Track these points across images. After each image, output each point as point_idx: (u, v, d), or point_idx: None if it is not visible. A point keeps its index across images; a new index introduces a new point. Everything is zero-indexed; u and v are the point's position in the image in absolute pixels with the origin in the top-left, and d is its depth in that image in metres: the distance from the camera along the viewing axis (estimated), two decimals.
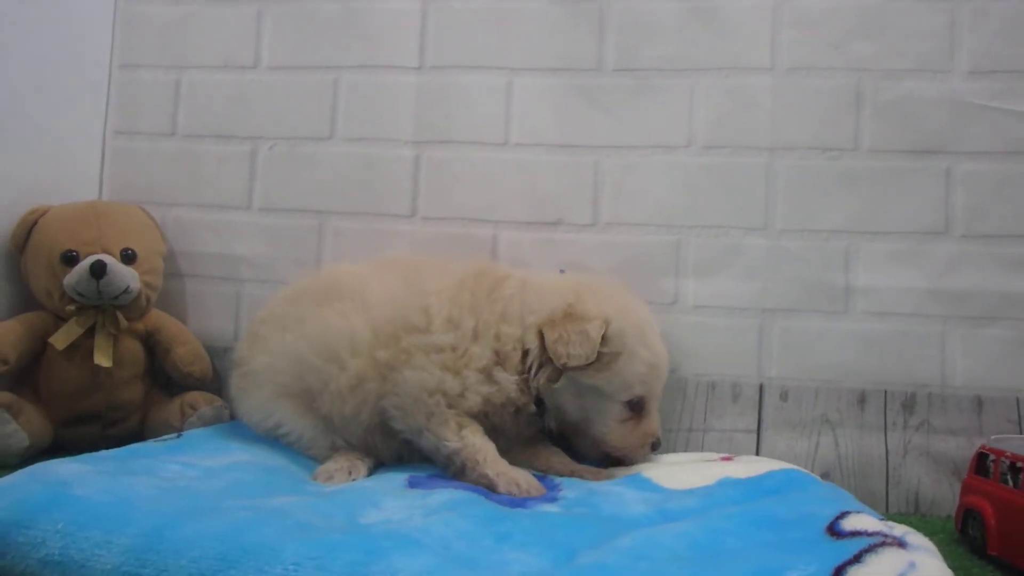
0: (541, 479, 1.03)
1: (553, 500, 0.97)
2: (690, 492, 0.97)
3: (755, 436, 1.28)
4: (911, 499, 1.23)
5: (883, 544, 0.72)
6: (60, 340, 1.27)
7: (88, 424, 1.30)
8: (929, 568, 0.69)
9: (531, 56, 1.38)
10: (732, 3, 1.33)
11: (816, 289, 1.28)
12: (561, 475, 1.08)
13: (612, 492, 0.98)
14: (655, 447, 1.12)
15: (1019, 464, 0.95)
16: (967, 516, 1.01)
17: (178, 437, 1.14)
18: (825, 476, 1.22)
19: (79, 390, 1.29)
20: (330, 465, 1.06)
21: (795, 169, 1.30)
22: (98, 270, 1.26)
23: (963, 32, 1.27)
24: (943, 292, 1.25)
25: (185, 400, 1.33)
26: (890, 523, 0.79)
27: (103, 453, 1.00)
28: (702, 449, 1.28)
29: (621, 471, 1.08)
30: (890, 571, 0.68)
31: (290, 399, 1.12)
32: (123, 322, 1.31)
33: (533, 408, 1.09)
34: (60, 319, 1.30)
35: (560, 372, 1.05)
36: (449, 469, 1.03)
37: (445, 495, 0.93)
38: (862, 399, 1.26)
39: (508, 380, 1.06)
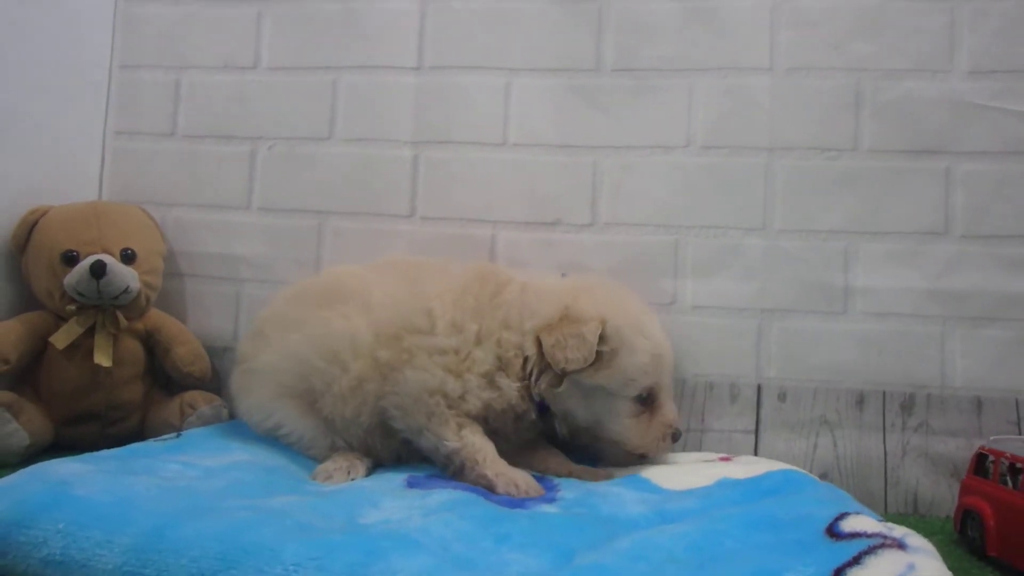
0: (539, 479, 1.03)
1: (552, 500, 0.97)
2: (689, 493, 0.97)
3: (753, 436, 1.28)
4: (910, 500, 1.23)
5: (882, 546, 0.72)
6: (60, 340, 1.27)
7: (88, 423, 1.31)
8: (929, 570, 0.69)
9: (530, 56, 1.38)
10: (731, 3, 1.33)
11: (815, 289, 1.29)
12: (559, 475, 1.08)
13: (610, 492, 0.98)
14: (676, 438, 1.11)
15: (1018, 465, 0.95)
16: (966, 517, 1.01)
17: (178, 436, 1.14)
18: (823, 477, 1.22)
19: (79, 389, 1.29)
20: (329, 465, 1.06)
21: (794, 169, 1.30)
22: (98, 270, 1.27)
23: (963, 32, 1.27)
24: (942, 292, 1.25)
25: (185, 399, 1.34)
26: (889, 524, 0.79)
27: (103, 453, 1.00)
28: (700, 449, 1.28)
29: (620, 471, 1.08)
30: (889, 573, 0.68)
31: (292, 399, 1.13)
32: (123, 322, 1.31)
33: (533, 415, 1.08)
34: (60, 319, 1.30)
35: (561, 377, 1.05)
36: (448, 469, 1.03)
37: (444, 495, 0.93)
38: (861, 400, 1.26)
39: (510, 387, 1.05)
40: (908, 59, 1.28)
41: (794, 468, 1.05)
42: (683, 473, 1.06)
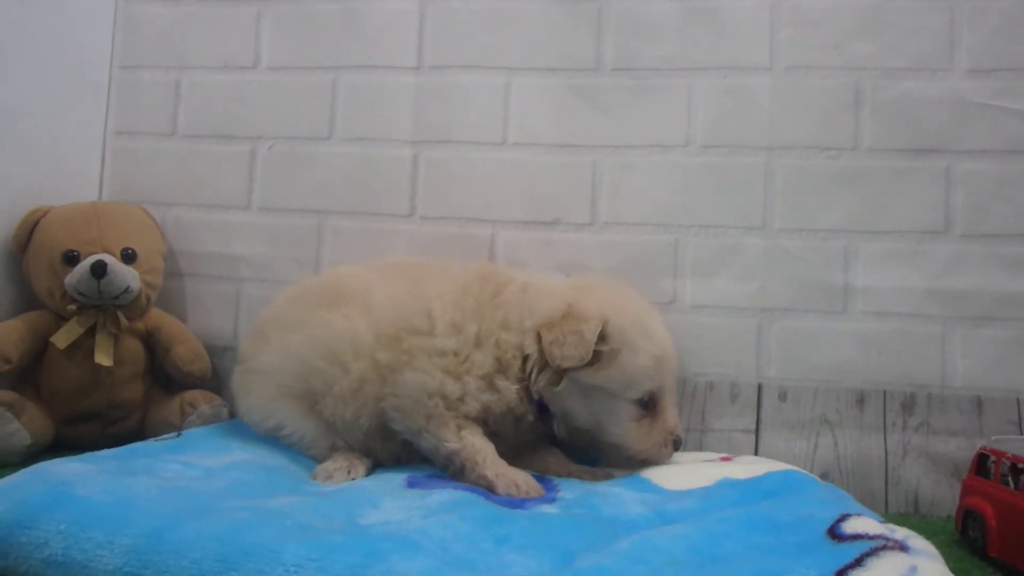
0: (539, 479, 1.03)
1: (552, 501, 0.97)
2: (689, 493, 0.97)
3: (754, 436, 1.28)
4: (910, 500, 1.23)
5: (884, 548, 0.71)
6: (61, 339, 1.27)
7: (89, 423, 1.31)
8: (931, 572, 0.69)
9: (529, 56, 1.38)
10: (731, 3, 1.33)
11: (815, 289, 1.28)
12: (559, 475, 1.08)
13: (610, 493, 0.98)
14: (677, 445, 1.09)
15: (1020, 465, 0.95)
16: (967, 517, 1.01)
17: (178, 436, 1.14)
18: (824, 476, 1.22)
19: (80, 389, 1.29)
20: (329, 464, 1.06)
21: (794, 169, 1.30)
22: (99, 270, 1.27)
23: (962, 31, 1.27)
24: (943, 292, 1.25)
25: (185, 399, 1.34)
26: (891, 526, 0.79)
27: (104, 452, 1.00)
28: (700, 449, 1.28)
29: (620, 471, 1.08)
30: (891, 575, 0.68)
31: (293, 400, 1.13)
32: (123, 321, 1.31)
33: (532, 417, 1.08)
34: (61, 318, 1.30)
35: (560, 374, 1.04)
36: (448, 470, 1.03)
37: (444, 495, 0.93)
38: (861, 399, 1.26)
39: (509, 389, 1.05)
40: (908, 58, 1.28)
41: (795, 468, 1.05)
42: (683, 473, 1.05)
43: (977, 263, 1.25)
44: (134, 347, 1.34)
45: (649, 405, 1.07)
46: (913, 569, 0.68)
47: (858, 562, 0.70)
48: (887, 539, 0.74)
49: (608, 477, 1.06)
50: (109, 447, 1.03)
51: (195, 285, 1.48)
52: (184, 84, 1.51)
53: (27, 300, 1.35)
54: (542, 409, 1.08)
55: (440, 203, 1.41)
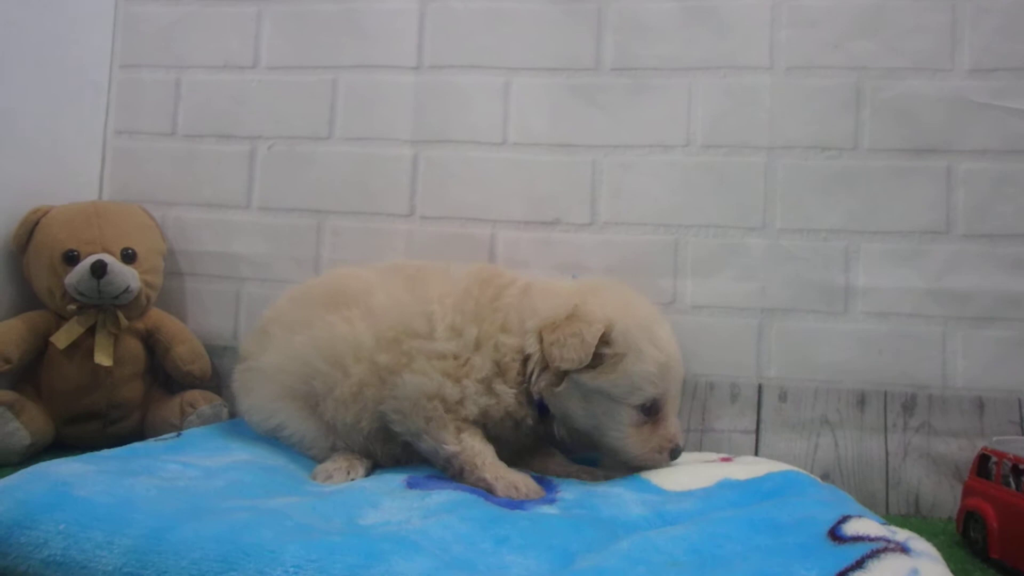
0: (539, 480, 1.03)
1: (552, 502, 0.96)
2: (689, 494, 0.97)
3: (754, 437, 1.28)
4: (911, 501, 1.23)
5: (886, 550, 0.71)
6: (61, 339, 1.27)
7: (89, 422, 1.31)
8: (932, 574, 0.69)
9: (529, 56, 1.38)
10: (730, 2, 1.33)
11: (815, 289, 1.28)
12: (559, 476, 1.08)
13: (610, 494, 0.98)
14: (675, 455, 1.07)
15: (1021, 466, 0.95)
16: (968, 518, 1.01)
17: (178, 436, 1.14)
18: (824, 477, 1.22)
19: (80, 388, 1.29)
20: (329, 465, 1.06)
21: (794, 168, 1.30)
22: (99, 270, 1.27)
23: (963, 30, 1.26)
24: (943, 292, 1.25)
25: (185, 399, 1.34)
26: (893, 528, 0.79)
27: (104, 452, 1.00)
28: (701, 450, 1.28)
29: (619, 472, 1.07)
30: None
31: (294, 400, 1.13)
32: (123, 321, 1.31)
33: (531, 421, 1.07)
34: (61, 318, 1.30)
35: (561, 376, 1.04)
36: (448, 472, 1.03)
37: (444, 496, 0.92)
38: (862, 400, 1.26)
39: (507, 392, 1.04)
40: (908, 57, 1.28)
41: (795, 469, 1.04)
42: (684, 474, 1.05)
43: (978, 263, 1.24)
44: (134, 347, 1.34)
45: (651, 411, 1.05)
46: (914, 571, 0.68)
47: (859, 564, 0.69)
48: (888, 541, 0.73)
49: (608, 478, 1.06)
50: (109, 447, 1.03)
51: (195, 285, 1.48)
52: (184, 84, 1.51)
53: (27, 300, 1.35)
54: (543, 411, 1.08)
55: (440, 203, 1.41)
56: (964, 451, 1.20)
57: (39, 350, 1.30)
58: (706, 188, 1.32)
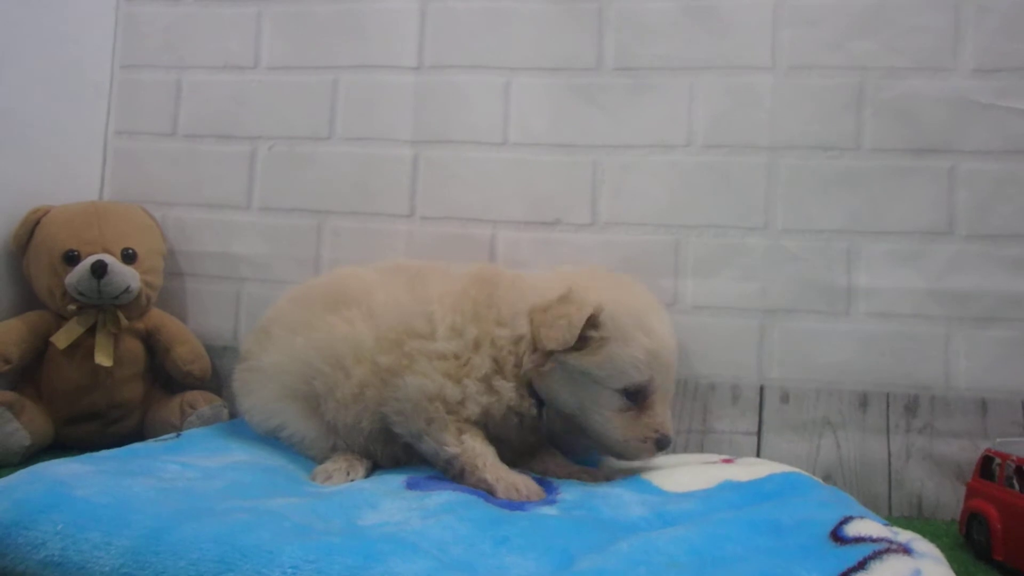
0: (540, 482, 1.02)
1: (552, 503, 0.96)
2: (690, 495, 0.96)
3: (756, 438, 1.27)
4: (914, 503, 1.22)
5: (888, 551, 0.71)
6: (61, 339, 1.27)
7: (89, 423, 1.31)
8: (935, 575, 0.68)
9: (529, 56, 1.38)
10: (731, 2, 1.32)
11: (817, 290, 1.28)
12: (559, 477, 1.07)
13: (611, 494, 0.97)
14: (662, 445, 1.04)
15: None
16: (971, 520, 1.01)
17: (177, 437, 1.14)
18: (826, 479, 1.21)
19: (80, 389, 1.29)
20: (328, 465, 1.06)
21: (795, 168, 1.29)
22: (99, 270, 1.27)
23: (966, 29, 1.26)
24: (946, 293, 1.25)
25: (185, 399, 1.34)
26: (895, 529, 0.78)
27: (103, 453, 1.00)
28: (702, 451, 1.27)
29: (620, 473, 1.07)
30: None
31: (295, 401, 1.12)
32: (124, 321, 1.31)
33: (535, 411, 1.07)
34: (62, 318, 1.30)
35: (548, 356, 1.03)
36: (448, 473, 1.03)
37: (443, 497, 0.92)
38: (864, 401, 1.25)
39: (506, 387, 1.04)
40: (910, 57, 1.27)
41: (797, 470, 1.04)
42: (684, 475, 1.04)
43: (980, 263, 1.24)
44: (134, 347, 1.34)
45: (636, 398, 1.03)
46: (917, 572, 0.68)
47: (861, 565, 0.69)
48: (891, 542, 0.73)
49: (609, 479, 1.06)
50: (109, 447, 1.03)
51: (195, 285, 1.48)
52: (184, 84, 1.51)
53: (27, 300, 1.35)
54: (539, 403, 1.07)
55: (440, 203, 1.40)
56: (967, 452, 1.20)
57: (39, 350, 1.30)
58: (707, 188, 1.32)
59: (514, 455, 1.07)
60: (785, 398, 1.28)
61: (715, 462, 1.12)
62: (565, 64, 1.37)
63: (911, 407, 1.24)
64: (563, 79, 1.37)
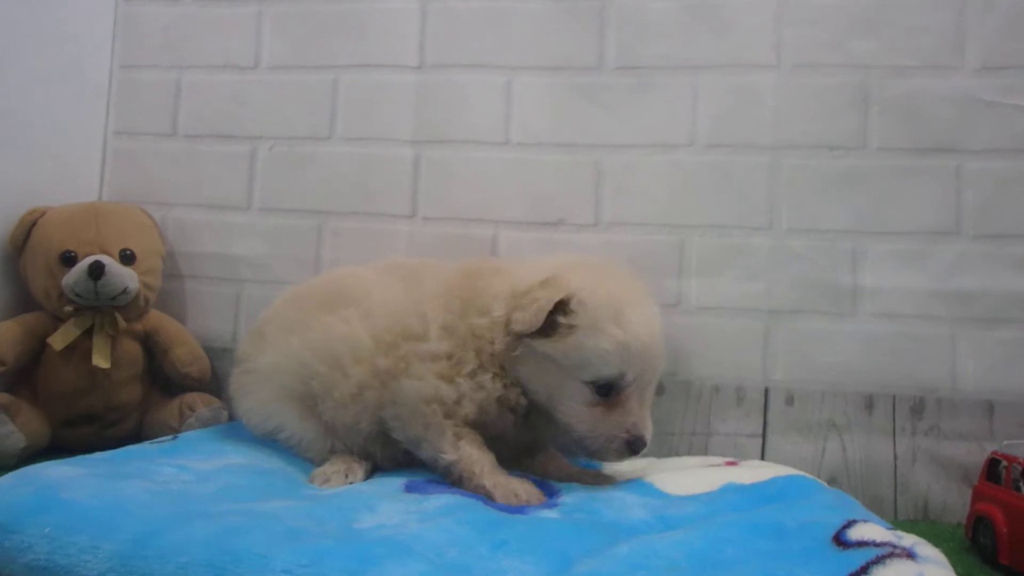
0: (540, 484, 1.01)
1: (552, 506, 0.94)
2: (692, 498, 0.95)
3: (760, 440, 1.26)
4: (920, 505, 1.20)
5: (891, 555, 0.69)
6: (58, 341, 1.26)
7: (86, 425, 1.30)
8: None
9: (531, 55, 1.37)
10: (733, 0, 1.31)
11: (822, 290, 1.26)
12: (560, 480, 1.06)
13: (613, 497, 0.96)
14: (633, 447, 0.98)
15: None
16: (978, 523, 0.99)
17: (174, 439, 1.13)
18: (832, 482, 1.20)
19: (77, 391, 1.28)
20: (327, 468, 1.04)
21: (799, 168, 1.28)
22: (96, 271, 1.26)
23: (970, 27, 1.24)
24: (952, 293, 1.23)
25: (184, 401, 1.33)
26: (899, 533, 0.77)
27: (96, 455, 0.99)
28: (706, 453, 1.26)
29: (621, 475, 1.06)
30: None
31: (293, 401, 1.11)
32: (121, 323, 1.30)
33: (524, 400, 1.03)
34: (59, 320, 1.29)
35: (517, 339, 0.99)
36: (448, 479, 1.01)
37: (442, 500, 0.91)
38: (870, 403, 1.24)
39: (486, 378, 1.01)
40: (916, 55, 1.26)
41: (801, 473, 1.02)
42: (687, 477, 1.03)
43: (987, 264, 1.22)
44: (132, 349, 1.33)
45: (606, 393, 0.99)
46: None
47: (863, 570, 0.68)
48: (894, 546, 0.71)
49: (610, 481, 1.04)
50: (107, 450, 1.02)
51: (195, 286, 1.47)
52: (184, 84, 1.50)
53: (24, 301, 1.35)
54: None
55: (441, 203, 1.39)
56: (973, 455, 1.18)
57: (36, 352, 1.29)
58: (710, 188, 1.30)
59: (514, 456, 1.06)
60: (790, 400, 1.26)
61: (718, 465, 1.10)
62: (566, 63, 1.36)
63: (917, 409, 1.22)
64: (564, 78, 1.36)
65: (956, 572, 0.72)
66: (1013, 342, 1.21)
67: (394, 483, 0.99)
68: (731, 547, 0.76)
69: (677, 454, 1.25)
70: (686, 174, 1.31)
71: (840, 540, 0.75)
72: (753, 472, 1.02)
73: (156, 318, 1.38)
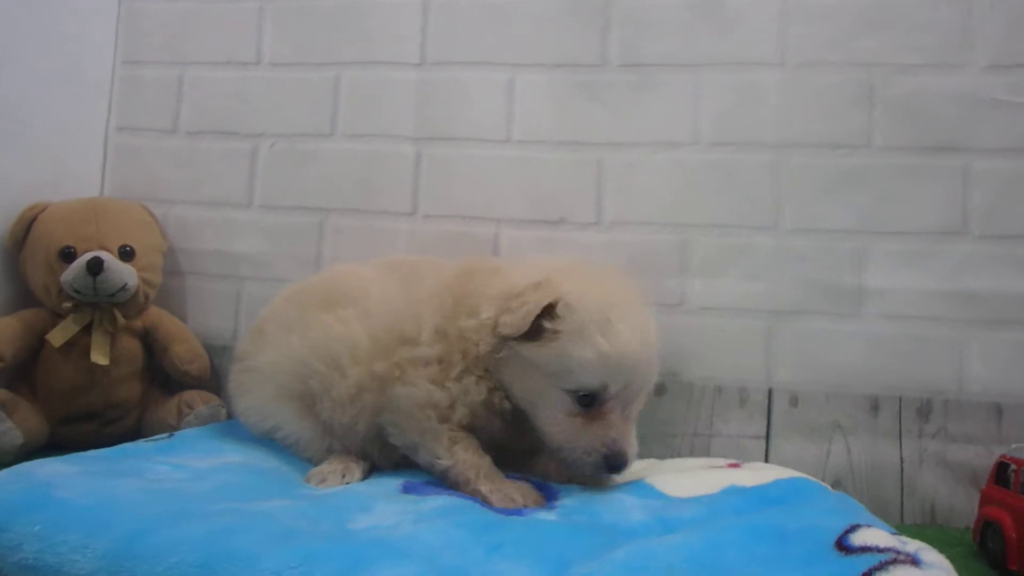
0: (540, 486, 0.99)
1: (551, 508, 0.93)
2: (693, 500, 0.93)
3: (764, 442, 1.24)
4: (927, 509, 1.19)
5: (895, 561, 0.68)
6: (57, 337, 1.26)
7: (85, 422, 1.29)
8: None
9: (533, 52, 1.36)
10: None
11: (826, 290, 1.25)
12: (560, 482, 1.04)
13: (612, 499, 0.94)
14: (612, 464, 0.95)
15: None
16: (986, 528, 0.98)
17: (170, 437, 1.12)
18: (836, 485, 1.18)
19: (76, 388, 1.28)
20: (324, 467, 1.04)
21: (803, 167, 1.27)
22: (95, 267, 1.25)
23: (976, 25, 1.23)
24: (959, 294, 1.21)
25: (183, 399, 1.32)
26: (903, 538, 0.75)
27: (91, 453, 0.98)
28: (709, 455, 1.24)
29: (621, 476, 1.04)
30: None
31: (291, 400, 1.10)
32: (120, 320, 1.30)
33: (507, 404, 1.01)
34: (58, 316, 1.29)
35: (502, 342, 0.97)
36: (445, 483, 1.00)
37: (439, 501, 0.90)
38: (875, 405, 1.22)
39: (471, 380, 1.00)
40: (920, 53, 1.24)
41: (804, 476, 1.01)
42: (689, 479, 1.01)
43: (994, 264, 1.21)
44: (131, 346, 1.33)
45: (588, 404, 0.95)
46: None
47: None
48: (898, 552, 0.70)
49: (610, 482, 1.03)
50: (105, 447, 1.01)
51: (195, 283, 1.47)
52: (186, 81, 1.50)
53: (23, 297, 1.34)
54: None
55: (443, 201, 1.38)
56: (981, 458, 1.16)
57: (34, 348, 1.28)
58: (713, 186, 1.29)
59: (515, 457, 1.04)
60: (794, 401, 1.25)
61: (721, 466, 1.08)
62: (569, 61, 1.35)
63: (924, 411, 1.21)
64: (567, 76, 1.35)
65: None
66: (1021, 344, 1.19)
67: (391, 484, 0.98)
68: (731, 550, 0.74)
69: (679, 455, 1.24)
70: (688, 173, 1.30)
71: (842, 545, 0.74)
72: (755, 474, 1.00)
73: (156, 315, 1.37)
